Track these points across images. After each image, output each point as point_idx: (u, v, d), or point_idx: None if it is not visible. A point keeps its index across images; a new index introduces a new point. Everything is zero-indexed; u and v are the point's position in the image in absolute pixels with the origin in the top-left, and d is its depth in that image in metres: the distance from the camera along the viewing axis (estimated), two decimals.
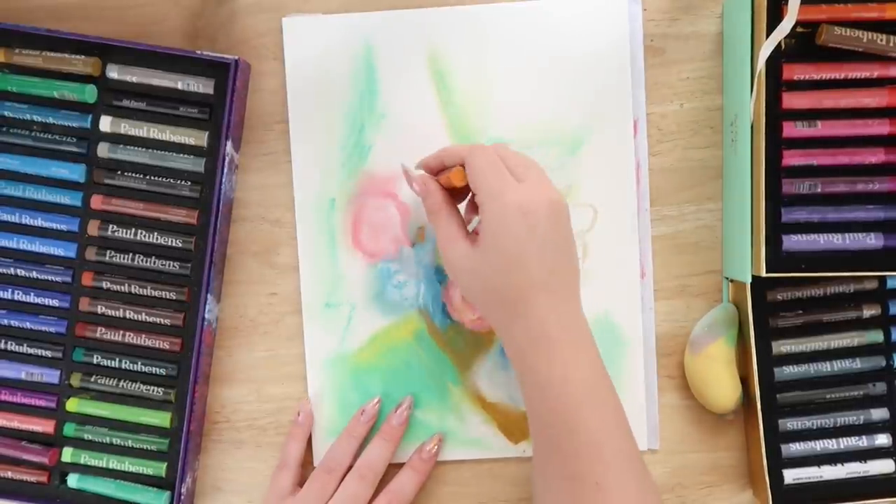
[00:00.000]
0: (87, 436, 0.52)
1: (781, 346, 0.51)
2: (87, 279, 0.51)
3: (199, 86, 0.51)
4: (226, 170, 0.50)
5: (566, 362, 0.42)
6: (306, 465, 0.52)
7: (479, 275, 0.43)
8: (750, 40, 0.47)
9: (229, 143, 0.50)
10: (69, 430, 0.52)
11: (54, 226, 0.51)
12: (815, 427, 0.51)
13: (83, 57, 0.50)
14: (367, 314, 0.53)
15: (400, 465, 0.52)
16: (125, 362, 0.52)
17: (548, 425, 0.42)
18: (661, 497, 0.53)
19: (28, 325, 0.52)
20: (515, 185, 0.42)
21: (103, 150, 0.51)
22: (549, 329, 0.42)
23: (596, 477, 0.40)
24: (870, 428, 0.51)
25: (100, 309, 0.51)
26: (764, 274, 0.47)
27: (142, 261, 0.51)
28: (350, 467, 0.51)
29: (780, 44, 0.46)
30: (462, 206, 0.48)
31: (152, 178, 0.51)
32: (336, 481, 0.50)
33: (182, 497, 0.51)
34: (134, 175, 0.51)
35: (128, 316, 0.51)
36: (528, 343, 0.42)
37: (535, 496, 0.45)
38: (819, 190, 0.48)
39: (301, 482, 0.51)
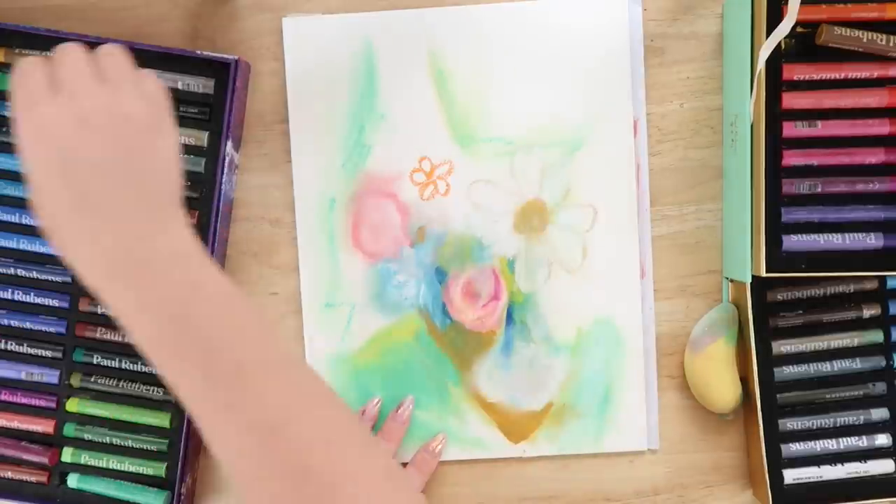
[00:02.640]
0: (87, 436, 0.52)
1: (781, 346, 0.51)
2: None
3: (199, 86, 0.51)
4: (226, 170, 0.50)
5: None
6: None
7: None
8: (750, 40, 0.47)
9: (229, 143, 0.50)
10: (69, 430, 0.52)
11: None
12: (815, 427, 0.51)
13: None
14: (367, 314, 0.53)
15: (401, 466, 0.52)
16: (125, 362, 0.52)
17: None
18: (661, 497, 0.53)
19: (28, 325, 0.52)
20: (50, 99, 0.37)
21: None
22: (98, 267, 0.36)
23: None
24: (870, 428, 0.51)
25: (100, 309, 0.51)
26: (764, 274, 0.47)
27: None
28: None
29: (780, 44, 0.46)
30: None
31: None
32: None
33: (182, 497, 0.51)
34: None
35: None
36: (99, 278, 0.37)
37: None
38: (819, 190, 0.48)
39: None
